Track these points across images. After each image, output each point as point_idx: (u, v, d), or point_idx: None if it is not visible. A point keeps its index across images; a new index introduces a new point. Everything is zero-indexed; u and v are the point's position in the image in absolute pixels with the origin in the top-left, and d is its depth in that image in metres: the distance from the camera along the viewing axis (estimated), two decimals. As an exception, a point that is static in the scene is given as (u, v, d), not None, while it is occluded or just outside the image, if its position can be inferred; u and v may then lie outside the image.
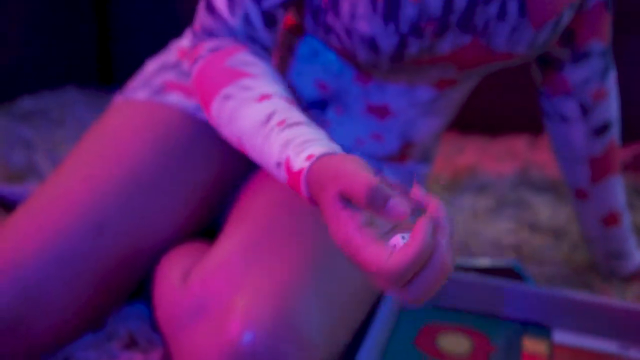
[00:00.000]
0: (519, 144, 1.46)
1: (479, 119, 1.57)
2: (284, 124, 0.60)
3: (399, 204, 0.46)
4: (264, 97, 0.65)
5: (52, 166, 1.25)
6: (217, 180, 0.85)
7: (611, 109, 0.89)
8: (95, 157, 0.79)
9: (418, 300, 0.48)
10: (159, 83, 0.86)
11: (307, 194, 0.56)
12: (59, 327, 0.73)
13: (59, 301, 0.72)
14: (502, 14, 0.72)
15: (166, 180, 0.80)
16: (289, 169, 0.57)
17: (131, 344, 0.76)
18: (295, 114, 0.62)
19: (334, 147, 0.57)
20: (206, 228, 0.88)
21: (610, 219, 0.92)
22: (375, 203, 0.47)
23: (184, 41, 0.89)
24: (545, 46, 0.77)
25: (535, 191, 1.24)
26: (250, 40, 0.72)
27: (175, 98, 0.84)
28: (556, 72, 0.87)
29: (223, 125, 0.67)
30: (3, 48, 1.59)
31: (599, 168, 0.90)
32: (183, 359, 0.68)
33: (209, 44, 0.73)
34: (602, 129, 0.89)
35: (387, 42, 0.71)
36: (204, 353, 0.66)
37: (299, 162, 0.56)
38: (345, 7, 0.71)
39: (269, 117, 0.62)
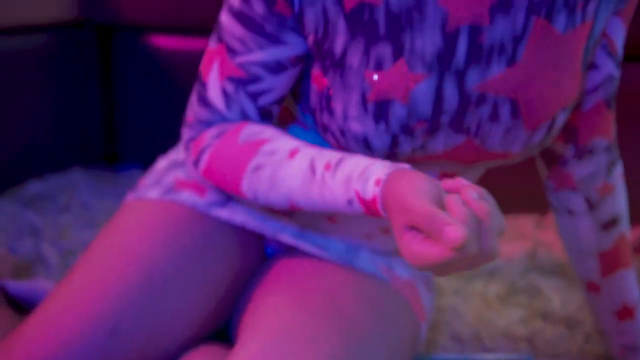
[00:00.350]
0: (526, 224, 1.46)
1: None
2: (330, 167, 0.65)
3: (452, 230, 0.51)
4: (293, 153, 0.69)
5: (59, 255, 1.24)
6: (231, 278, 0.84)
7: (618, 203, 0.89)
8: (108, 259, 0.79)
9: (494, 252, 0.54)
10: (170, 181, 0.87)
11: (385, 215, 0.61)
12: None
13: None
14: (494, 116, 0.73)
15: (180, 281, 0.79)
16: (362, 200, 0.62)
17: None
18: (331, 153, 0.67)
19: (390, 165, 0.62)
20: (221, 327, 0.87)
21: (625, 313, 0.91)
22: (434, 232, 0.52)
23: None
24: (541, 145, 0.77)
25: (545, 275, 1.23)
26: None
27: (186, 196, 0.85)
28: (560, 167, 0.88)
29: (263, 195, 0.70)
30: (11, 134, 1.61)
31: (609, 262, 0.90)
32: None
33: (211, 132, 0.76)
34: (609, 224, 0.88)
35: (379, 141, 0.72)
36: None
37: (370, 190, 0.61)
38: (338, 109, 0.73)
39: (312, 167, 0.67)
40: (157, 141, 1.77)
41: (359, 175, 0.63)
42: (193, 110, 0.77)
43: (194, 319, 0.80)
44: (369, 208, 0.62)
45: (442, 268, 0.54)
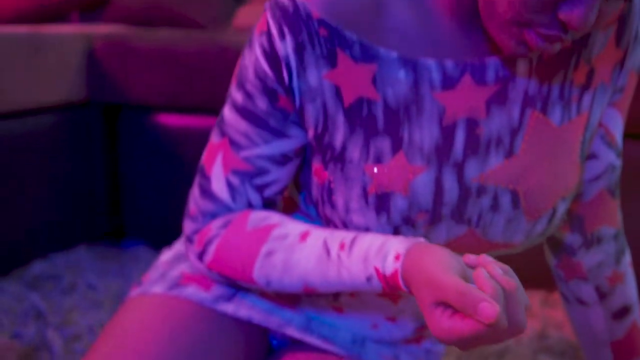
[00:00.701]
0: (533, 301, 1.45)
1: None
2: (345, 246, 0.67)
3: (487, 307, 0.53)
4: (304, 235, 0.70)
5: (63, 340, 1.24)
6: None
7: (629, 291, 0.88)
8: (112, 358, 0.78)
9: (522, 325, 0.56)
10: (175, 275, 0.87)
11: (406, 288, 0.63)
12: None
13: None
14: (495, 207, 0.74)
15: None
16: (382, 276, 0.64)
17: None
18: (343, 233, 0.69)
19: (407, 239, 0.64)
20: None
21: None
22: (467, 308, 0.54)
23: None
24: (543, 235, 0.77)
25: (556, 357, 1.21)
26: None
27: (192, 291, 0.84)
28: (569, 257, 0.87)
29: (276, 280, 0.72)
30: (16, 214, 1.63)
31: (623, 351, 0.89)
32: None
33: (217, 222, 0.77)
34: (621, 313, 0.88)
35: (382, 232, 0.73)
36: None
37: (390, 266, 0.63)
38: (340, 202, 0.74)
39: (326, 248, 0.68)
40: (162, 217, 1.78)
41: (377, 252, 0.64)
42: (196, 202, 0.78)
43: None
44: (389, 284, 0.63)
45: (471, 342, 0.55)
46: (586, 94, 0.75)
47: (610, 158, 0.81)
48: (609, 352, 0.89)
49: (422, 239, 0.63)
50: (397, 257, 0.62)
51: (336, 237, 0.69)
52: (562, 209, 0.76)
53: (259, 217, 0.74)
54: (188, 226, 0.79)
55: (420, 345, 0.90)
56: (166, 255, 0.91)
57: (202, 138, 1.73)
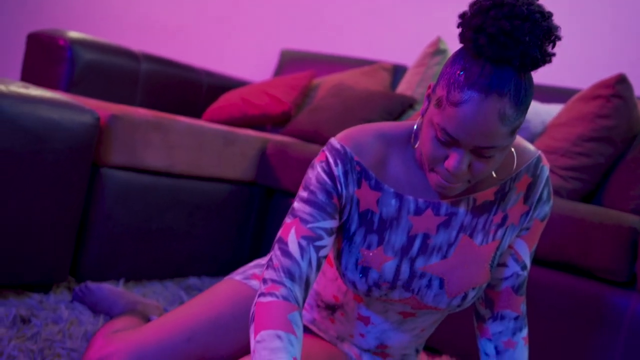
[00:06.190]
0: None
1: (449, 342, 1.77)
2: None
3: None
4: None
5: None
6: None
7: (517, 355, 1.12)
8: (191, 307, 1.22)
9: None
10: (250, 273, 1.26)
11: None
12: None
13: None
14: (429, 285, 1.03)
15: (239, 324, 1.20)
16: None
17: None
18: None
19: None
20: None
21: None
22: None
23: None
24: (460, 307, 1.06)
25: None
26: (306, 283, 0.99)
27: (254, 283, 1.24)
28: (481, 322, 1.16)
29: (256, 348, 0.90)
30: (187, 243, 1.95)
31: None
32: None
33: (283, 291, 0.97)
34: None
35: (361, 286, 1.04)
36: None
37: None
38: (342, 263, 1.04)
39: None
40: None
41: None
42: (277, 259, 0.99)
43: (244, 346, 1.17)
44: None
45: None
46: (500, 229, 1.04)
47: (516, 269, 1.11)
48: None
49: None
50: None
51: None
52: (472, 294, 1.05)
53: (297, 321, 0.93)
54: (268, 273, 0.99)
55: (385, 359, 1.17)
56: (252, 263, 1.32)
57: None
